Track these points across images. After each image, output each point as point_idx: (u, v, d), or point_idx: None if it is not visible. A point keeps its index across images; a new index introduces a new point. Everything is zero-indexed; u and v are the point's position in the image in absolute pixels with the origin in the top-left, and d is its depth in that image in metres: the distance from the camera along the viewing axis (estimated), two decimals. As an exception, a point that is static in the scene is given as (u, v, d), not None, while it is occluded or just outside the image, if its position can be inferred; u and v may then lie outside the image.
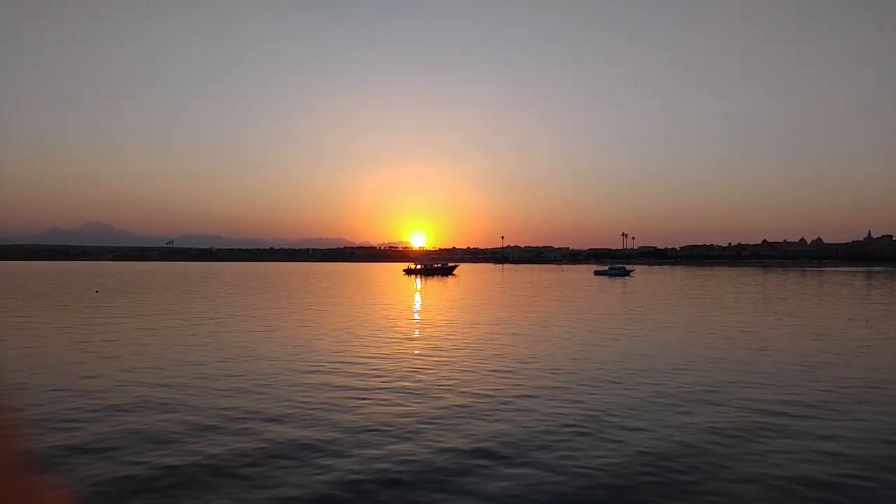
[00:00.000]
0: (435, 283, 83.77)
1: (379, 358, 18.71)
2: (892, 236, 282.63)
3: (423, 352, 20.11)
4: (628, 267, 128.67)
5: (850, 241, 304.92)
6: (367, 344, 21.86)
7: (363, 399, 13.24)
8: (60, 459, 9.05)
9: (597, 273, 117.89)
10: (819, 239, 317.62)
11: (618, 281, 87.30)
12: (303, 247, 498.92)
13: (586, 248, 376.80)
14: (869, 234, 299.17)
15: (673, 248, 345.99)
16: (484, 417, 11.73)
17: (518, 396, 13.47)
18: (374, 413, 12.01)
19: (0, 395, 0.53)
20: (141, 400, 13.02)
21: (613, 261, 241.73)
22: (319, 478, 8.50)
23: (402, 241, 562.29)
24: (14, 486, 0.51)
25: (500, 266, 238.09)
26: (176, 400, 13.03)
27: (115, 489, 8.03)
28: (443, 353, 19.68)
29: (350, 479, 8.43)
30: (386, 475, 8.61)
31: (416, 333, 25.63)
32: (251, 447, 9.81)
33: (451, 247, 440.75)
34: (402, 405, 12.69)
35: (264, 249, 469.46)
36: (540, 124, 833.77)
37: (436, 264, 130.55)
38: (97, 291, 54.28)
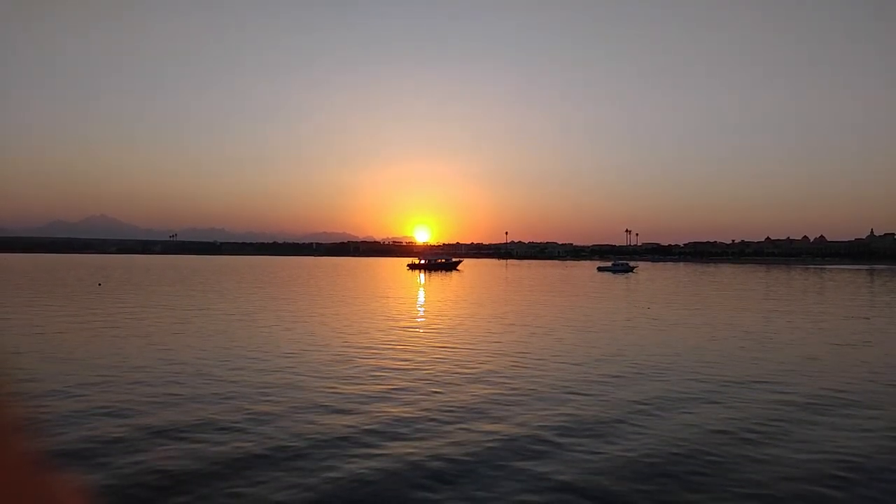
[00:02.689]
0: (439, 277, 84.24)
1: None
2: (895, 234, 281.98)
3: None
4: (631, 263, 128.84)
5: (853, 238, 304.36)
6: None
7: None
8: (77, 455, 9.04)
9: (600, 269, 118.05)
10: (822, 237, 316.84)
11: (621, 277, 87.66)
12: (307, 241, 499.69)
13: (590, 244, 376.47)
14: (872, 231, 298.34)
15: (676, 245, 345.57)
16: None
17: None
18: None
19: (9, 390, 0.51)
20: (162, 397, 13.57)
21: (617, 257, 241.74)
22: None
23: (406, 237, 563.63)
24: (27, 481, 0.50)
25: (503, 262, 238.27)
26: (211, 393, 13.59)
27: (135, 484, 8.04)
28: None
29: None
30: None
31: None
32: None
33: (454, 242, 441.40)
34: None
35: (268, 243, 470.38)
36: (545, 120, 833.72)
37: (440, 259, 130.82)
38: (99, 284, 54.63)
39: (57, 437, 9.75)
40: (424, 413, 11.44)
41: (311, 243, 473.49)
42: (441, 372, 15.44)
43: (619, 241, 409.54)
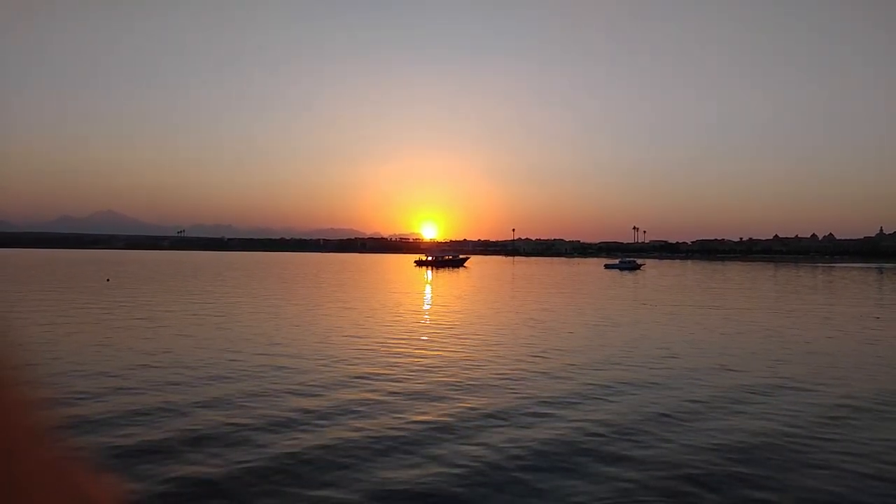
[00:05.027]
0: (446, 274, 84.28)
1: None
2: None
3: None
4: (638, 261, 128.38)
5: (861, 236, 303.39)
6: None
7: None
8: (115, 458, 8.84)
9: (607, 266, 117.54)
10: (831, 234, 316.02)
11: (628, 275, 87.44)
12: (314, 237, 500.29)
13: (597, 241, 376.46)
14: (881, 230, 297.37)
15: (684, 242, 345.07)
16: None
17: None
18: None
19: (35, 392, 0.49)
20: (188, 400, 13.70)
21: (624, 254, 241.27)
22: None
23: (413, 233, 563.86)
24: (60, 481, 0.49)
25: (510, 259, 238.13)
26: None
27: (174, 488, 7.83)
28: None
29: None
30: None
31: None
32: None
33: (462, 239, 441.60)
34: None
35: (275, 239, 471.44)
36: (553, 116, 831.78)
37: (447, 256, 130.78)
38: (108, 280, 54.82)
39: (93, 438, 9.82)
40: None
41: (318, 239, 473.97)
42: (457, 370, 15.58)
43: (627, 238, 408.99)
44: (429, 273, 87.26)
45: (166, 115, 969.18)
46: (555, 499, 7.51)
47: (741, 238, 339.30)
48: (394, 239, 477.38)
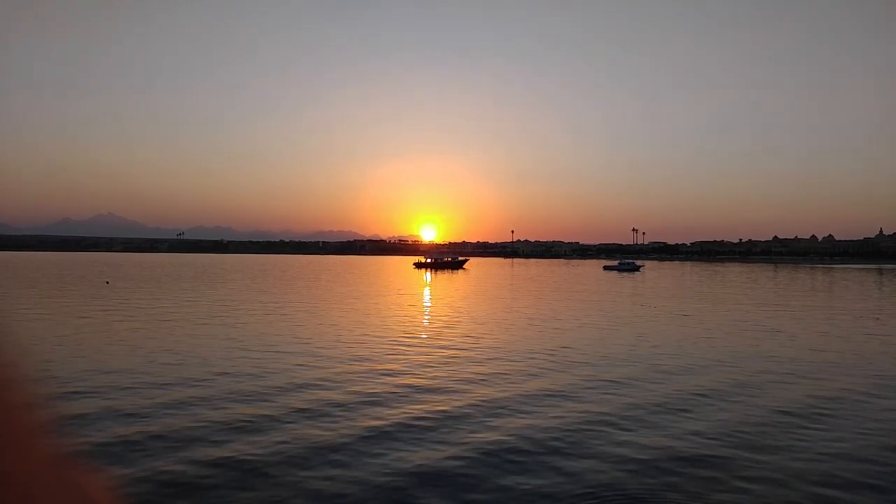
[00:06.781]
0: (445, 276, 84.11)
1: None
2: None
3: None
4: (638, 262, 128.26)
5: (861, 238, 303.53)
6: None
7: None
8: (112, 453, 8.83)
9: (606, 268, 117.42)
10: (830, 236, 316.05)
11: (627, 276, 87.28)
12: (313, 239, 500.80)
13: (596, 243, 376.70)
14: (881, 231, 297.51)
15: (683, 244, 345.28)
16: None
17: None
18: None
19: (33, 387, 0.49)
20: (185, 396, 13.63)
21: (623, 256, 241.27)
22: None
23: (412, 235, 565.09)
24: (62, 480, 0.50)
25: (509, 260, 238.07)
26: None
27: (169, 487, 7.75)
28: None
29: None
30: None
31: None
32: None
33: (461, 241, 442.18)
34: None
35: (275, 242, 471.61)
36: (553, 119, 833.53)
37: (446, 258, 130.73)
38: (107, 282, 54.62)
39: (89, 434, 9.71)
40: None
41: (318, 242, 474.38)
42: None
43: (626, 240, 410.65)
44: (428, 275, 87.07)
45: (167, 118, 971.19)
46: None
47: (740, 239, 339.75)
48: (393, 241, 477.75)
